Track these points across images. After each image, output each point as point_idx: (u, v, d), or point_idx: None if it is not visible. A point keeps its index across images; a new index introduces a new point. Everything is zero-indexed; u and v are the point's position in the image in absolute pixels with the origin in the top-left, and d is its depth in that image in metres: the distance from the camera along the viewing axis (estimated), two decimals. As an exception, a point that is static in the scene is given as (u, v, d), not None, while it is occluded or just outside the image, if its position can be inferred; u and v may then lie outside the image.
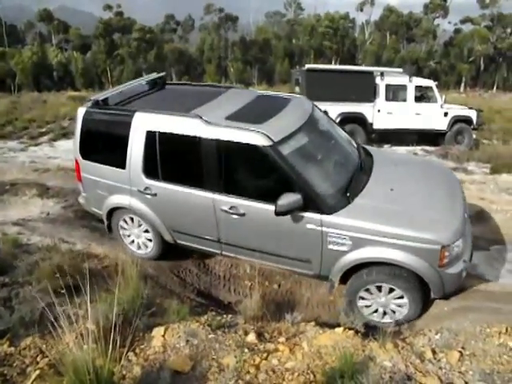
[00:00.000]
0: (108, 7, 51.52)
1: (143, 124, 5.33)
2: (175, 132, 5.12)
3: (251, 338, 4.12)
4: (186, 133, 5.06)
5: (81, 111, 5.86)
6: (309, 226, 4.67)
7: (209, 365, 3.67)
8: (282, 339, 4.17)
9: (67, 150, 12.72)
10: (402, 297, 4.72)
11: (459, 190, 5.59)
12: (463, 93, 41.75)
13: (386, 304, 4.83)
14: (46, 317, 3.66)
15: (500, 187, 8.98)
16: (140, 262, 5.03)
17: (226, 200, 4.99)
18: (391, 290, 4.71)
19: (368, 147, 6.38)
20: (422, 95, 14.08)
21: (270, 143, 4.70)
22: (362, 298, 4.85)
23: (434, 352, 4.01)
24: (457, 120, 14.25)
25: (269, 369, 3.68)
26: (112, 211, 5.98)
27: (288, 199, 4.48)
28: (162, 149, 5.27)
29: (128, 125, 5.41)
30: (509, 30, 49.77)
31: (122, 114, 5.57)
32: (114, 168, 5.66)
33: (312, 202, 4.59)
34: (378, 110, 13.67)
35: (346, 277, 4.83)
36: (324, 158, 5.39)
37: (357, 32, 51.09)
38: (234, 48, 47.65)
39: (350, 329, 4.30)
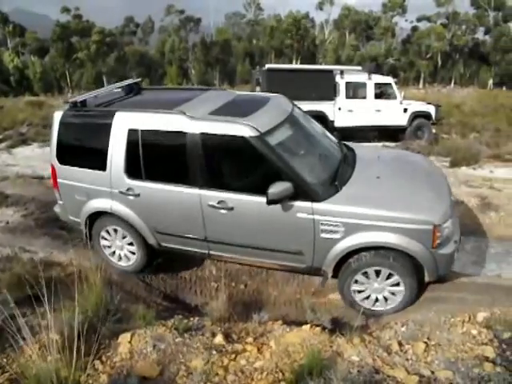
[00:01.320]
0: (66, 10, 50.34)
1: (125, 123, 5.21)
2: (158, 129, 5.06)
3: (219, 339, 4.10)
4: (169, 129, 5.00)
5: (57, 115, 5.67)
6: (300, 215, 4.65)
7: (177, 369, 3.65)
8: (249, 339, 4.17)
9: (26, 156, 12.46)
10: (397, 284, 4.76)
11: (443, 177, 5.73)
12: (422, 89, 42.60)
13: (381, 290, 4.86)
14: (7, 330, 3.55)
15: (460, 180, 9.18)
16: (104, 268, 4.91)
17: (213, 195, 4.91)
18: (388, 277, 4.75)
19: (348, 143, 6.42)
20: (382, 92, 14.34)
21: (257, 134, 4.70)
22: (357, 282, 4.85)
23: (400, 344, 4.07)
24: (416, 115, 14.57)
25: (237, 369, 3.68)
26: (92, 219, 5.77)
27: (279, 187, 4.48)
28: (144, 147, 5.15)
29: (108, 125, 5.28)
30: (464, 28, 51.21)
31: (101, 114, 5.46)
32: (93, 171, 5.48)
33: (302, 191, 4.59)
34: (339, 108, 13.85)
35: (337, 268, 4.85)
36: (308, 151, 5.42)
37: (317, 31, 51.55)
38: (194, 49, 47.39)
39: (317, 325, 4.32)
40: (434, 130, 15.00)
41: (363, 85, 14.06)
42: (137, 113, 5.26)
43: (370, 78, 14.10)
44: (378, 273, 4.75)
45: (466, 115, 20.37)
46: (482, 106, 23.16)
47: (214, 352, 3.88)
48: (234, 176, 5.10)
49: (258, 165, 4.82)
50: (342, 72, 13.99)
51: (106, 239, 5.86)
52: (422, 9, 54.13)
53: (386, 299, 4.90)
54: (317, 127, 6.03)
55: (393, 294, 4.84)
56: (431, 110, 14.83)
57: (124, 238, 5.71)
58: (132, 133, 5.16)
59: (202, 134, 4.85)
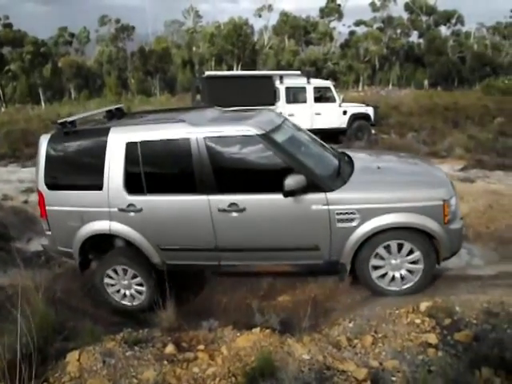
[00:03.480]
0: (-6, 18, 47.97)
1: (121, 137, 5.03)
2: (160, 138, 4.95)
3: (170, 349, 4.09)
4: (171, 137, 4.93)
5: (44, 138, 5.35)
6: (314, 207, 4.68)
7: (128, 383, 3.60)
8: (200, 347, 4.17)
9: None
10: (416, 262, 4.83)
11: (435, 166, 6.05)
12: (362, 91, 43.94)
13: (399, 267, 4.90)
14: None
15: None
16: (46, 287, 4.77)
17: (223, 198, 4.82)
18: (409, 253, 4.80)
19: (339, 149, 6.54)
20: (321, 96, 14.68)
21: (263, 131, 4.81)
22: (376, 256, 4.88)
23: (348, 339, 4.17)
24: (356, 117, 14.99)
25: (190, 378, 3.68)
26: (89, 253, 5.46)
27: (294, 178, 4.52)
28: (145, 160, 4.98)
29: (103, 142, 5.07)
30: (399, 31, 53.18)
31: (95, 132, 5.31)
32: (88, 192, 5.19)
33: (314, 183, 4.64)
34: (280, 113, 14.03)
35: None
36: (308, 151, 5.49)
37: (256, 37, 52.00)
38: (133, 59, 46.65)
39: (267, 328, 4.37)
40: (373, 131, 15.48)
41: (303, 89, 14.34)
42: (134, 126, 5.19)
43: (309, 83, 14.39)
44: (399, 248, 4.81)
45: (404, 115, 21.15)
46: (418, 106, 24.13)
47: (166, 362, 3.85)
48: (243, 176, 5.00)
49: (268, 162, 4.83)
50: (281, 77, 14.21)
51: (110, 277, 5.42)
52: (359, 14, 55.97)
53: (402, 278, 4.95)
54: (307, 133, 6.12)
55: (411, 272, 4.90)
56: (370, 111, 15.30)
57: (134, 277, 5.35)
58: (130, 146, 4.99)
59: (207, 137, 4.83)
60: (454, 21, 51.51)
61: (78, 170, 5.32)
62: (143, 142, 4.96)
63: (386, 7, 52.59)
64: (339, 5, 52.28)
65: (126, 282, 5.40)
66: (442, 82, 47.51)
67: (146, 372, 3.72)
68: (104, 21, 48.54)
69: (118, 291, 5.49)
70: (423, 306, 4.46)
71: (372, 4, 52.66)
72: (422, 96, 32.35)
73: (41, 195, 5.40)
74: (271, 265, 5.14)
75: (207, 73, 14.39)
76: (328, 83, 15.28)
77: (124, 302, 5.51)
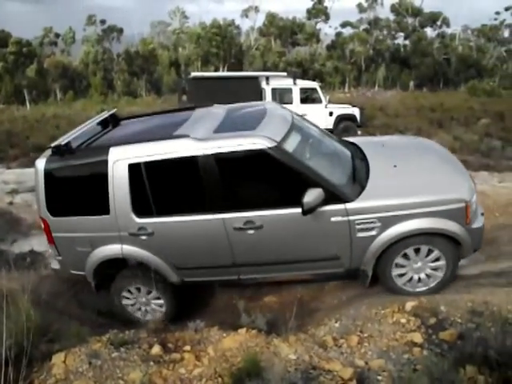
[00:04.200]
0: (-24, 19, 47.23)
1: (122, 158, 4.70)
2: (164, 158, 4.61)
3: (156, 350, 4.09)
4: (177, 156, 4.59)
5: (40, 163, 5.00)
6: (334, 219, 4.52)
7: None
8: (187, 347, 4.18)
9: None
10: (438, 259, 4.72)
11: (450, 154, 5.78)
12: (348, 92, 44.15)
13: (422, 269, 4.79)
14: None
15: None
16: (32, 289, 4.73)
17: (237, 216, 4.61)
18: (428, 253, 4.69)
19: (345, 138, 6.35)
20: (307, 97, 14.74)
21: (274, 144, 4.50)
22: (397, 266, 4.77)
23: (334, 339, 4.19)
24: (342, 118, 15.09)
25: (176, 379, 3.69)
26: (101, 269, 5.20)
27: (312, 195, 4.30)
28: (151, 181, 4.70)
29: (103, 164, 4.73)
30: (385, 33, 53.55)
31: (93, 153, 4.93)
32: (94, 217, 4.92)
33: (332, 194, 4.45)
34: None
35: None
36: (321, 154, 5.25)
37: (242, 38, 52.00)
38: (119, 60, 46.37)
39: (253, 328, 4.39)
40: (359, 132, 15.56)
41: (289, 90, 14.41)
42: (134, 145, 4.78)
43: (295, 84, 14.45)
44: (416, 251, 4.70)
45: (390, 117, 21.31)
46: (404, 108, 24.36)
47: (152, 363, 3.86)
48: (257, 192, 4.80)
49: (281, 175, 4.61)
50: (267, 78, 14.25)
51: (127, 298, 5.33)
52: (345, 15, 56.23)
53: (428, 277, 4.85)
54: (316, 128, 5.88)
55: (434, 272, 4.81)
56: (356, 112, 15.39)
57: (149, 293, 5.25)
58: (133, 168, 4.69)
59: (215, 154, 4.53)
60: (439, 23, 51.96)
61: (81, 194, 5.01)
62: (147, 163, 4.67)
63: (372, 9, 52.95)
64: (326, 6, 52.47)
65: (143, 300, 5.29)
66: (428, 83, 47.88)
67: (132, 373, 3.72)
68: (91, 20, 48.14)
69: (139, 309, 5.38)
70: (408, 305, 4.49)
71: (358, 5, 52.97)
72: (408, 97, 32.67)
73: (45, 222, 5.13)
74: (291, 275, 5.03)
75: (193, 74, 14.43)
76: (314, 84, 15.35)
77: (148, 318, 5.34)
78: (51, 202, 5.02)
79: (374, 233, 4.54)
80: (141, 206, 4.79)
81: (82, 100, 36.69)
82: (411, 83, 47.94)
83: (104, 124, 5.80)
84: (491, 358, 3.33)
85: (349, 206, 4.49)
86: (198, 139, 4.60)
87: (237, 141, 4.56)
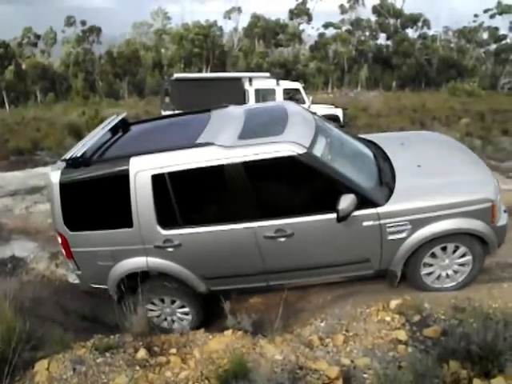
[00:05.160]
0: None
1: (145, 169, 4.49)
2: (190, 167, 4.42)
3: (141, 354, 4.06)
4: (203, 165, 4.40)
5: (54, 176, 4.70)
6: (366, 223, 4.46)
7: (99, 389, 3.54)
8: (173, 350, 4.16)
9: None
10: (464, 254, 4.70)
11: (469, 150, 5.75)
12: (331, 93, 44.38)
13: (449, 266, 4.77)
14: None
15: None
16: (14, 295, 4.62)
17: (268, 224, 4.49)
18: (455, 250, 4.68)
19: (363, 136, 6.28)
20: (291, 97, 14.74)
21: (304, 150, 4.37)
22: (425, 265, 4.75)
23: (320, 339, 4.21)
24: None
25: (163, 382, 3.67)
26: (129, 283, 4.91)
27: (346, 202, 4.22)
28: (176, 192, 4.51)
29: (124, 175, 4.50)
30: (367, 34, 54.02)
31: (112, 164, 4.61)
32: (116, 230, 4.70)
33: (364, 199, 4.37)
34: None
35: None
36: (347, 156, 5.13)
37: (225, 39, 51.98)
38: (101, 61, 45.94)
39: (239, 330, 4.39)
40: (342, 132, 15.60)
41: (272, 91, 14.41)
42: (156, 154, 4.54)
43: (278, 84, 14.47)
44: (443, 249, 4.68)
45: (373, 117, 21.49)
46: (386, 108, 24.58)
47: (138, 367, 3.83)
48: (287, 200, 4.69)
49: (312, 182, 4.53)
50: (250, 79, 14.26)
51: (153, 310, 5.12)
52: (328, 16, 56.51)
53: (455, 272, 4.83)
54: (334, 127, 5.76)
55: (462, 265, 4.78)
56: (339, 113, 15.50)
57: (173, 303, 5.08)
58: (157, 179, 4.48)
59: (243, 162, 4.38)
60: (420, 24, 52.68)
61: (101, 207, 4.78)
62: (171, 174, 4.47)
63: (354, 10, 53.40)
64: (308, 7, 52.76)
65: (168, 310, 5.14)
66: (410, 83, 48.45)
67: (117, 378, 3.70)
68: (70, 22, 47.60)
69: (165, 319, 5.21)
70: (393, 303, 4.53)
71: (340, 7, 53.34)
72: (391, 97, 32.99)
73: (62, 237, 4.88)
74: (320, 279, 4.98)
75: (176, 75, 14.37)
76: (297, 85, 15.40)
77: (175, 327, 5.19)
78: (69, 216, 4.77)
79: (404, 235, 4.53)
80: (166, 218, 4.61)
81: (63, 102, 36.22)
82: (393, 83, 48.41)
83: (114, 129, 5.50)
84: (473, 352, 3.39)
85: (380, 210, 4.46)
86: (225, 147, 4.43)
87: (266, 148, 4.41)
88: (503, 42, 53.06)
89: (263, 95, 14.27)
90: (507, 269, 5.29)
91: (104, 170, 4.62)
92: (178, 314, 5.14)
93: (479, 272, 4.89)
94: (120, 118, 5.68)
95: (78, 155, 4.61)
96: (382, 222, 4.47)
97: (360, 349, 3.97)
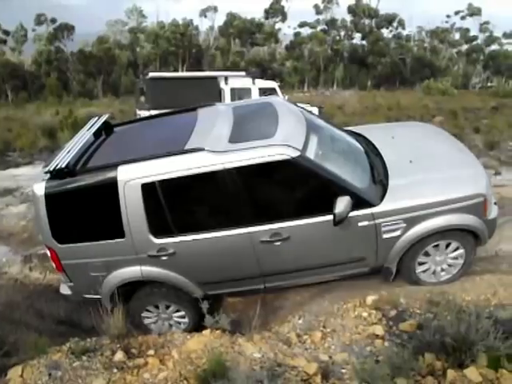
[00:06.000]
0: None
1: (134, 178, 4.37)
2: (181, 175, 4.33)
3: (119, 356, 4.03)
4: (194, 172, 4.32)
5: (38, 188, 4.52)
6: (361, 223, 4.48)
7: (76, 393, 3.49)
8: (150, 352, 4.14)
9: None
10: (457, 248, 4.78)
11: (458, 142, 5.84)
12: (307, 92, 44.54)
13: (443, 261, 4.86)
14: None
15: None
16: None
17: (264, 229, 4.47)
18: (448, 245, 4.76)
19: (351, 128, 6.30)
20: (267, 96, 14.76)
21: (298, 153, 4.34)
22: (420, 263, 4.83)
23: (298, 336, 4.26)
24: (301, 117, 15.16)
25: (141, 384, 3.60)
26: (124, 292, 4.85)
27: (342, 204, 4.22)
28: (168, 200, 4.43)
29: (113, 185, 4.39)
30: (342, 33, 54.42)
31: (99, 174, 4.46)
32: (108, 241, 4.61)
33: (359, 200, 4.39)
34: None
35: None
36: (338, 154, 5.12)
37: (201, 38, 51.70)
38: (74, 60, 45.13)
39: (217, 329, 4.38)
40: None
41: (248, 90, 14.36)
42: (145, 162, 4.41)
43: (254, 83, 14.45)
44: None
45: (348, 115, 21.57)
46: (362, 107, 24.72)
47: (115, 370, 3.80)
48: (281, 203, 4.67)
49: (307, 184, 4.54)
50: (226, 78, 14.21)
51: (149, 317, 5.12)
52: (303, 16, 56.77)
53: (449, 266, 4.91)
54: (322, 121, 5.70)
55: (455, 258, 4.86)
56: (315, 111, 15.51)
57: (168, 308, 5.05)
58: (147, 188, 4.39)
59: (236, 168, 4.32)
60: (395, 24, 53.31)
61: (90, 218, 4.66)
62: (162, 182, 4.38)
63: (329, 9, 53.72)
64: (283, 6, 52.86)
65: (165, 315, 5.10)
66: (385, 82, 48.95)
67: (94, 381, 3.67)
68: (40, 20, 46.55)
69: (163, 325, 5.15)
70: (369, 299, 4.59)
71: (315, 6, 53.59)
72: (366, 96, 33.25)
73: (52, 251, 4.77)
74: (317, 278, 4.98)
75: (151, 74, 14.21)
76: (273, 84, 15.41)
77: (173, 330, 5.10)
78: (57, 229, 4.64)
79: (398, 233, 4.57)
80: (159, 227, 4.54)
81: (36, 102, 35.47)
82: (369, 83, 48.89)
83: (96, 132, 5.30)
84: (447, 344, 3.46)
85: (375, 210, 4.49)
86: (216, 152, 4.35)
87: (259, 152, 4.34)
88: (474, 42, 54.23)
89: (239, 94, 14.23)
90: (478, 263, 5.40)
91: (91, 179, 4.47)
92: (175, 319, 5.11)
93: (471, 263, 5.00)
94: (102, 120, 5.49)
95: (63, 166, 4.43)
96: (377, 221, 4.51)
97: (338, 344, 4.02)
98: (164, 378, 3.71)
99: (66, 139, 15.54)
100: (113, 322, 4.47)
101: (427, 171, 4.84)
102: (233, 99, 14.04)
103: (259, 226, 4.49)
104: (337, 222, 4.28)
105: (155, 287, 4.91)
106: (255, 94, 14.36)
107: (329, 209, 4.29)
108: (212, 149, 4.37)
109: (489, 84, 49.80)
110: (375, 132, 6.15)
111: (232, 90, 14.15)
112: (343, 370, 3.64)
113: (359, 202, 4.40)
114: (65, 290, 5.17)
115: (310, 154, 4.49)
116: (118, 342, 4.29)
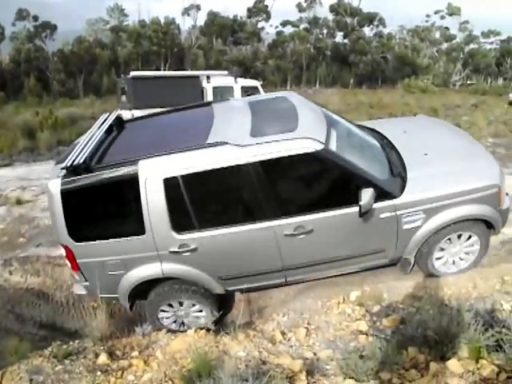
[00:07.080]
0: None
1: (155, 173, 4.33)
2: (204, 169, 4.30)
3: (102, 359, 3.99)
4: (218, 166, 4.28)
5: (54, 185, 4.43)
6: (383, 215, 4.52)
7: (59, 398, 3.45)
8: (135, 353, 4.12)
9: None
10: (470, 237, 4.86)
11: (467, 134, 5.95)
12: (290, 90, 44.64)
13: (460, 251, 4.94)
14: None
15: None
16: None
17: (288, 222, 4.47)
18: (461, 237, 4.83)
19: (365, 123, 6.32)
20: (249, 95, 14.67)
21: (322, 146, 4.34)
22: (438, 254, 4.90)
23: (283, 333, 4.28)
24: (284, 115, 15.16)
25: (126, 386, 3.58)
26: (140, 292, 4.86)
27: (367, 196, 4.23)
28: (191, 194, 4.38)
29: (133, 180, 4.33)
30: (325, 32, 54.61)
31: (119, 170, 4.37)
32: (127, 238, 4.53)
33: (380, 191, 4.42)
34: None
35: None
36: (357, 147, 5.14)
37: (183, 37, 51.40)
38: (54, 59, 44.50)
39: (201, 329, 4.40)
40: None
41: (230, 89, 14.30)
42: (166, 156, 4.36)
43: (236, 82, 14.41)
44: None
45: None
46: (344, 104, 24.94)
47: (99, 373, 3.77)
48: (305, 197, 4.69)
49: (330, 177, 4.58)
50: (208, 77, 14.15)
51: (166, 318, 5.06)
52: (285, 14, 56.72)
53: (467, 254, 4.98)
54: (338, 116, 5.70)
55: (471, 246, 4.93)
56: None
57: (181, 304, 4.98)
58: (170, 182, 4.33)
59: (260, 161, 4.30)
60: (376, 23, 53.64)
61: (108, 215, 4.62)
62: (185, 176, 4.33)
63: (311, 8, 53.85)
64: (266, 5, 52.84)
65: (182, 313, 5.05)
66: (367, 80, 49.30)
67: (78, 385, 3.59)
68: (22, 15, 45.65)
69: (175, 321, 5.11)
70: (353, 295, 4.64)
71: (298, 5, 53.71)
72: (348, 94, 33.45)
73: (68, 249, 4.66)
74: (337, 271, 4.97)
75: (132, 73, 14.05)
76: (255, 83, 15.38)
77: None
78: (73, 227, 4.55)
79: (418, 224, 4.63)
80: (181, 222, 4.50)
81: (15, 102, 34.88)
82: (351, 81, 49.15)
83: (108, 128, 5.23)
84: (430, 337, 3.52)
85: (397, 201, 4.54)
86: (240, 146, 4.32)
87: (283, 145, 4.32)
88: (453, 41, 54.86)
89: (221, 93, 14.14)
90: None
91: (110, 175, 4.38)
92: (192, 314, 5.06)
93: (487, 251, 5.06)
94: (115, 116, 5.43)
95: (81, 161, 4.35)
96: (398, 212, 4.56)
97: (322, 341, 4.05)
98: (149, 379, 3.68)
99: (47, 140, 15.56)
100: (96, 324, 4.44)
101: (443, 163, 4.90)
102: (215, 97, 13.99)
103: (283, 220, 4.48)
104: (363, 214, 4.33)
105: (175, 284, 4.85)
106: (237, 93, 14.33)
107: (351, 201, 4.37)
108: (236, 142, 4.33)
109: (468, 82, 50.49)
110: (386, 126, 6.23)
111: (214, 88, 14.08)
112: (328, 367, 3.66)
113: (381, 193, 4.45)
114: (79, 289, 5.07)
115: (333, 147, 4.50)
116: (101, 345, 4.25)
